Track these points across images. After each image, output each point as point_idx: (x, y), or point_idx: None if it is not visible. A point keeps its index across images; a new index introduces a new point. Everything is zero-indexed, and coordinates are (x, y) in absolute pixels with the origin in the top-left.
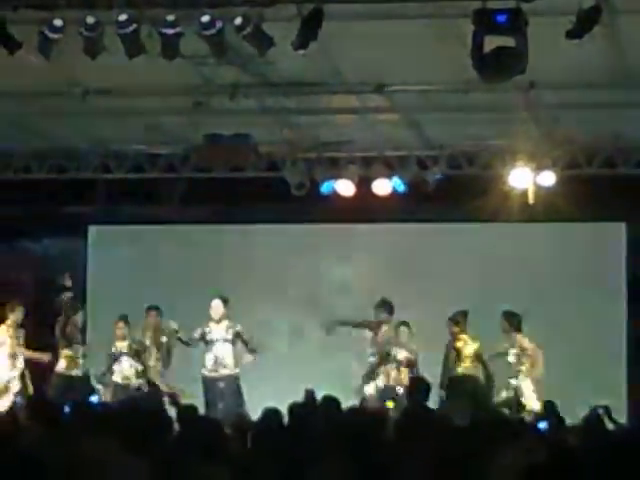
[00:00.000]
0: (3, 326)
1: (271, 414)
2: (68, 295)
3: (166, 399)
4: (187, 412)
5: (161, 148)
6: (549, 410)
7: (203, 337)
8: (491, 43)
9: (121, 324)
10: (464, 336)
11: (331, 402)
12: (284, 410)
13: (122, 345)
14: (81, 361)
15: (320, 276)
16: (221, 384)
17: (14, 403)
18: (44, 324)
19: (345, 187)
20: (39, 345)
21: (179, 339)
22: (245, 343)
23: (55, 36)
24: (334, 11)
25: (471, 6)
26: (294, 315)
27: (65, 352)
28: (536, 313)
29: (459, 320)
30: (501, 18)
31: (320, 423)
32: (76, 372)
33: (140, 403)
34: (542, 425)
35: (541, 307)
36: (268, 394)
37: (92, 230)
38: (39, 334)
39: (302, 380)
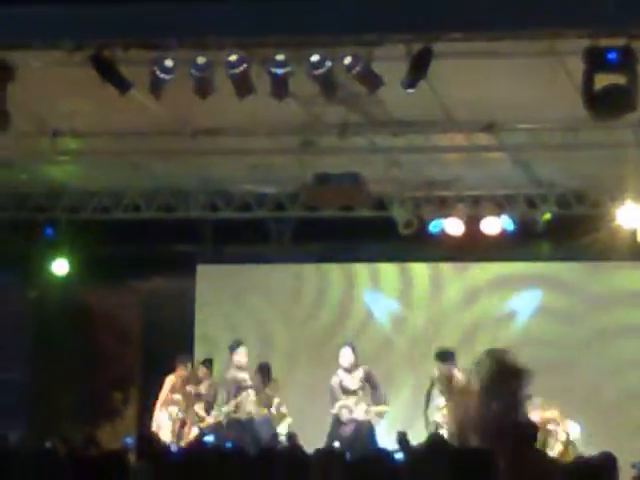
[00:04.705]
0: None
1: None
2: None
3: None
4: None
5: (269, 187)
6: None
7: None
8: (601, 81)
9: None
10: None
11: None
12: None
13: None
14: None
15: (431, 314)
16: (349, 430)
17: (124, 443)
18: (151, 359)
19: (454, 226)
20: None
21: None
22: (374, 388)
23: (166, 76)
24: (443, 50)
25: (582, 44)
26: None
27: None
28: None
29: None
30: (612, 56)
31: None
32: None
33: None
34: None
35: None
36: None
37: (200, 269)
38: (146, 369)
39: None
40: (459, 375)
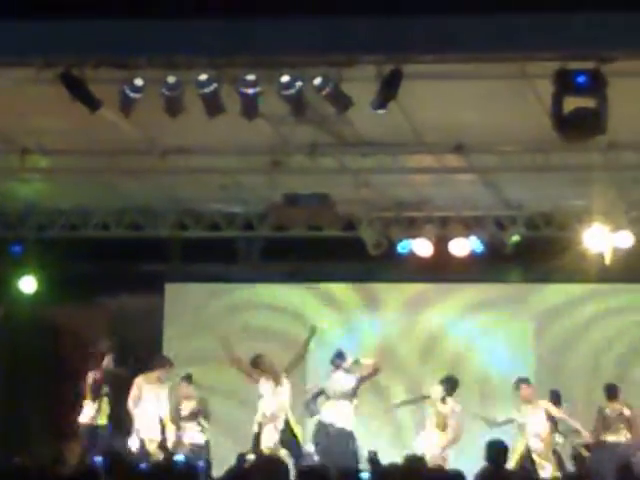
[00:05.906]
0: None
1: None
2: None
3: None
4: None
5: (238, 207)
6: None
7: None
8: (571, 104)
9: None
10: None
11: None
12: None
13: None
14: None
15: (397, 335)
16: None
17: (93, 461)
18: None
19: (422, 247)
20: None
21: None
22: None
23: (136, 95)
24: (413, 71)
25: (551, 67)
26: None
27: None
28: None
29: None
30: (581, 79)
31: None
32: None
33: None
34: None
35: (621, 370)
36: None
37: (169, 287)
38: (115, 386)
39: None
40: None
